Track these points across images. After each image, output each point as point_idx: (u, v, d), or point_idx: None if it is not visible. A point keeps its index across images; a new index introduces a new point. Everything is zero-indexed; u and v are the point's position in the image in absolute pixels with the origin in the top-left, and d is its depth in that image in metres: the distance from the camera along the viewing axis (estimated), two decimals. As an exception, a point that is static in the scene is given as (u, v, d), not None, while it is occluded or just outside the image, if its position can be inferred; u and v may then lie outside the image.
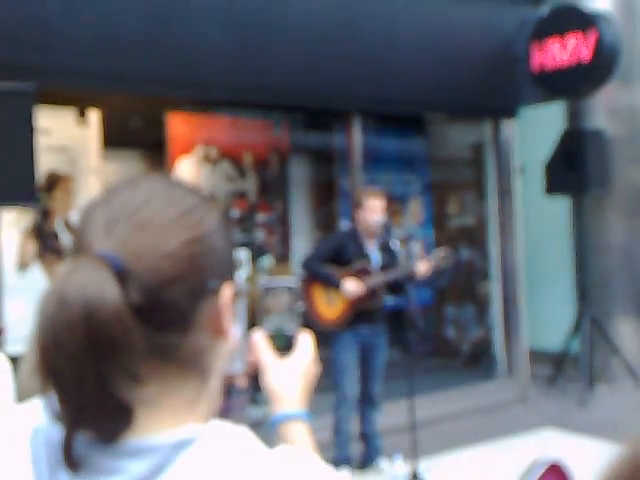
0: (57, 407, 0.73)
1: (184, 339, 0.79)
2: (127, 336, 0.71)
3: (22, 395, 1.37)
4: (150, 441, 0.75)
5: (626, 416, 5.67)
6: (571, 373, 7.16)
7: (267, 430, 1.05)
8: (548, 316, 7.99)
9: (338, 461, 4.84)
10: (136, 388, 0.73)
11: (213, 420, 0.81)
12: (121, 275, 0.74)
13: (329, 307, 4.87)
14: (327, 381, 4.82)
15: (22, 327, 4.87)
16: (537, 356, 7.39)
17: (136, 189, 0.82)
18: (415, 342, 6.32)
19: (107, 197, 0.82)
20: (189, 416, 0.79)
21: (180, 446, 0.75)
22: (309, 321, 4.81)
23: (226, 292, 0.82)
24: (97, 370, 0.70)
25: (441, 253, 5.07)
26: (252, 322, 1.08)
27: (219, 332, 0.83)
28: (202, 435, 0.76)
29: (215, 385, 0.85)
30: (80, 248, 0.78)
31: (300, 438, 1.03)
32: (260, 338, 1.10)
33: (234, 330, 0.88)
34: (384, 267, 4.86)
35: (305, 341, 1.11)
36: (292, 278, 1.17)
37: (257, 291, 1.11)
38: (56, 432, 0.75)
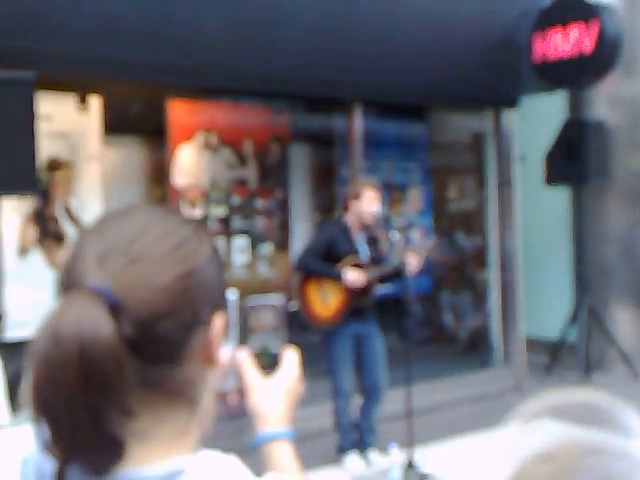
0: (47, 439, 0.73)
1: (175, 371, 0.79)
2: (121, 371, 0.71)
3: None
4: (140, 473, 0.75)
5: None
6: (568, 362, 7.20)
7: (251, 448, 1.06)
8: (546, 304, 8.02)
9: (343, 448, 4.90)
10: (128, 422, 0.73)
11: (202, 450, 0.81)
12: (114, 309, 0.73)
13: (323, 306, 4.83)
14: (325, 367, 4.86)
15: (22, 312, 4.91)
16: (534, 344, 7.43)
17: (129, 220, 0.81)
18: (412, 329, 6.35)
19: (100, 228, 0.81)
20: (178, 447, 0.80)
21: (169, 478, 0.75)
22: (303, 320, 4.80)
23: (217, 322, 0.83)
24: (91, 405, 0.70)
25: (430, 243, 5.08)
26: (239, 340, 1.08)
27: (210, 362, 0.83)
28: (191, 466, 0.77)
29: (207, 410, 0.86)
30: (72, 280, 0.77)
31: (284, 458, 1.04)
32: (245, 357, 1.09)
33: (225, 348, 0.89)
34: (372, 260, 4.82)
35: (290, 359, 1.11)
36: (277, 296, 1.17)
37: (243, 308, 1.10)
38: (46, 462, 0.75)
